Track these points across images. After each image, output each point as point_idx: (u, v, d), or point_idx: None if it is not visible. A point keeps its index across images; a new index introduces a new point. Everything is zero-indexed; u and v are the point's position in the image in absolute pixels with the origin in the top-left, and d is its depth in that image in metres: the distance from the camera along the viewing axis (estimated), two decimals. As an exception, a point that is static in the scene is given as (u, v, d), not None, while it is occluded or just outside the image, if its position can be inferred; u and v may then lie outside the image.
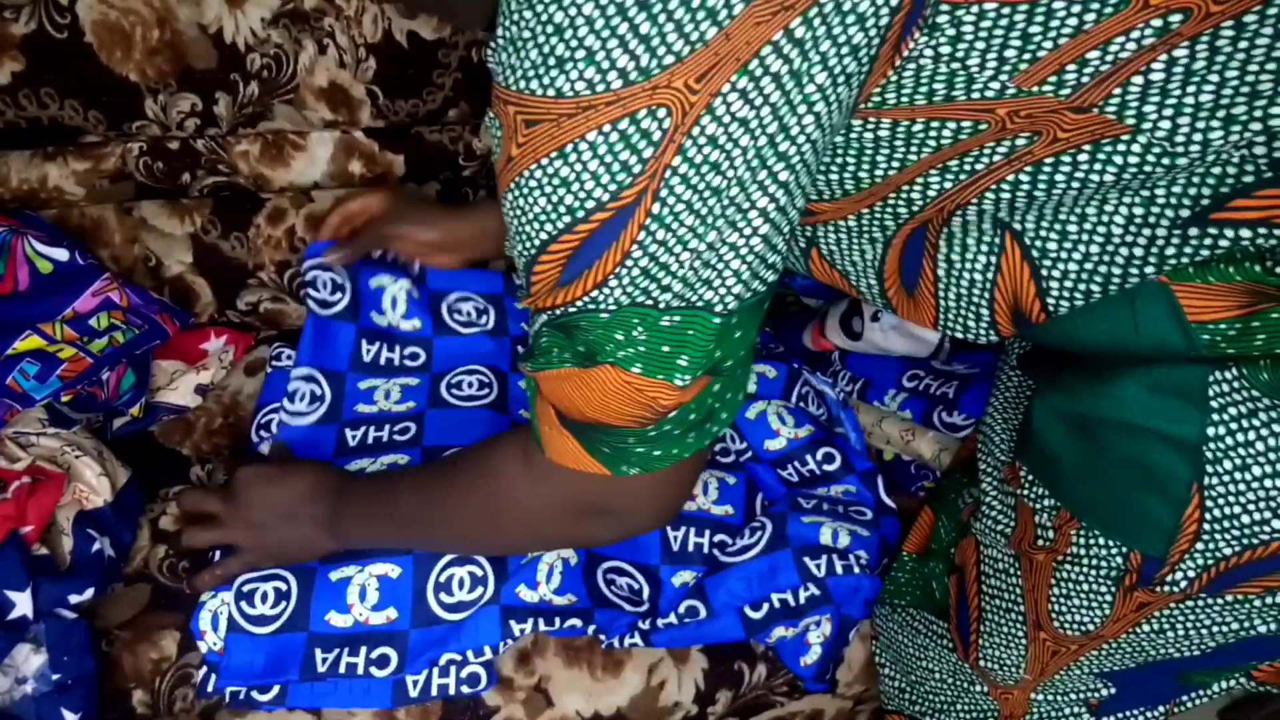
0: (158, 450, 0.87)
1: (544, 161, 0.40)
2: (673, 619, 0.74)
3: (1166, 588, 0.53)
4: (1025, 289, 0.50)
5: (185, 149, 0.93)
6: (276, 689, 0.70)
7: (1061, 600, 0.59)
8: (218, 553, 0.76)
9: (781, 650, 0.77)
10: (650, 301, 0.42)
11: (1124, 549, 0.54)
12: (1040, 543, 0.59)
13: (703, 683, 0.76)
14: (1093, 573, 0.56)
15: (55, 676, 0.67)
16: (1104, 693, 0.63)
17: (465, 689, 0.71)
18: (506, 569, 0.73)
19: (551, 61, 0.37)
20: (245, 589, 0.72)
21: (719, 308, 0.43)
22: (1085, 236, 0.47)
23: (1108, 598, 0.56)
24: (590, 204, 0.40)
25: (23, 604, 0.68)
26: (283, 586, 0.72)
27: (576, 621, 0.73)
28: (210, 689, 0.69)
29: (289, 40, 0.87)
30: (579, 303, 0.43)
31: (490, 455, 0.60)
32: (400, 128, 0.97)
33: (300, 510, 0.71)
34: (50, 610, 0.69)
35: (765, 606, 0.75)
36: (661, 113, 0.37)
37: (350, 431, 0.84)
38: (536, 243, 0.43)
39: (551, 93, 0.38)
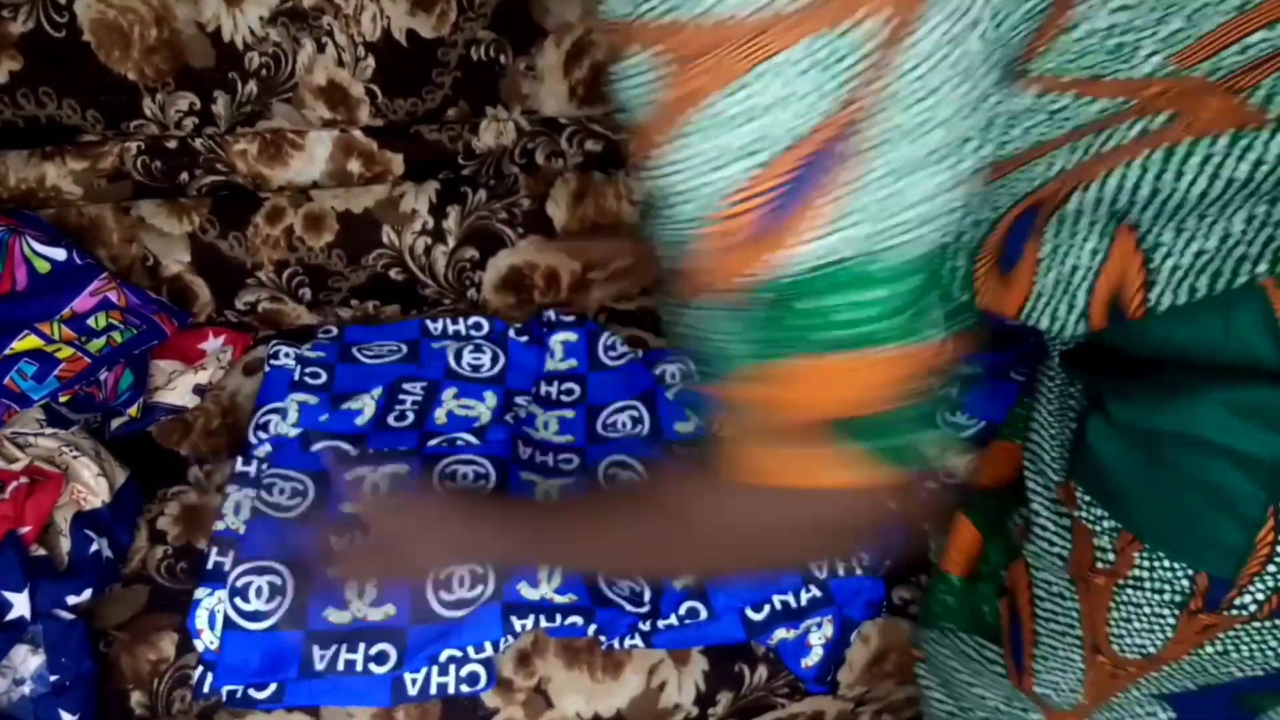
0: (156, 450, 0.87)
1: (732, 87, 0.34)
2: (673, 620, 0.74)
3: (1234, 611, 0.51)
4: (1133, 279, 0.47)
5: (183, 148, 0.93)
6: (273, 687, 0.69)
7: (1122, 623, 0.57)
8: (214, 554, 0.76)
9: (783, 652, 0.77)
10: (877, 247, 0.35)
11: (1189, 571, 0.52)
12: (1100, 565, 0.56)
13: (703, 684, 0.76)
14: (1155, 596, 0.54)
15: (53, 677, 0.67)
16: (1162, 717, 0.61)
17: (465, 688, 0.70)
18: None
19: None
20: (239, 584, 0.72)
21: (942, 246, 0.37)
22: (1204, 232, 0.44)
23: (1170, 620, 0.54)
24: (793, 134, 0.34)
25: (20, 605, 0.67)
26: (277, 581, 0.72)
27: (578, 620, 0.72)
28: (207, 689, 0.69)
29: (287, 39, 0.87)
30: (784, 264, 0.36)
31: (674, 485, 0.52)
32: (399, 126, 0.97)
33: (449, 518, 0.65)
34: (48, 611, 0.69)
35: (766, 608, 0.75)
36: (871, 24, 0.32)
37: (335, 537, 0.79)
38: (721, 189, 0.36)
39: (735, 6, 0.33)
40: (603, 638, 0.74)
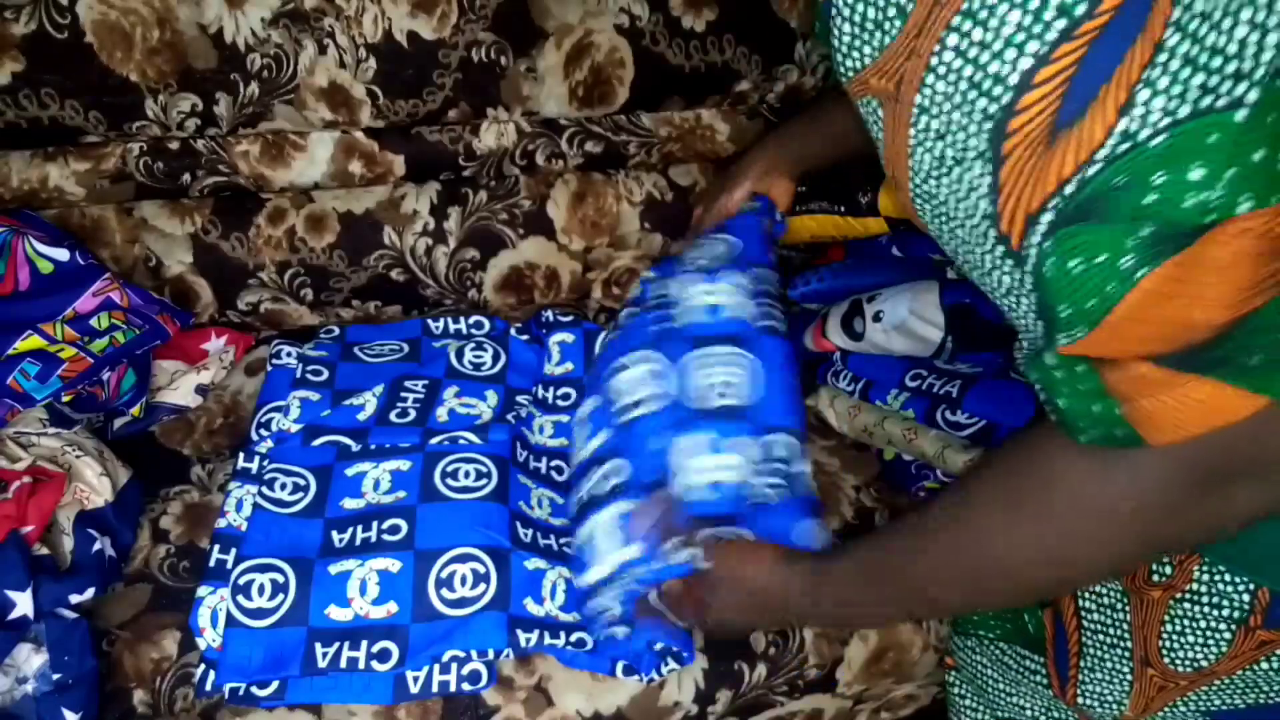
0: (158, 450, 0.87)
1: None
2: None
3: None
4: None
5: (185, 149, 0.93)
6: (275, 684, 0.70)
7: (1175, 637, 0.55)
8: (216, 552, 0.76)
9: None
10: (1215, 102, 0.29)
11: (1251, 586, 0.51)
12: (1156, 579, 0.55)
13: (703, 682, 0.76)
14: (1213, 610, 0.53)
15: (56, 676, 0.67)
16: None
17: (466, 686, 0.71)
18: (509, 569, 0.73)
19: None
20: (241, 581, 0.72)
21: (1268, 75, 0.30)
22: None
23: (1226, 635, 0.53)
24: None
25: (23, 604, 0.68)
26: (280, 579, 0.72)
27: (584, 637, 0.72)
28: (209, 687, 0.69)
29: (289, 40, 0.87)
30: (1104, 148, 0.30)
31: (1027, 469, 0.43)
32: (400, 128, 0.97)
33: (744, 614, 0.64)
34: (51, 610, 0.70)
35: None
36: None
37: (337, 533, 0.77)
38: (1013, 80, 0.31)
39: None
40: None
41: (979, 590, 0.50)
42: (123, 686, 0.71)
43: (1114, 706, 0.62)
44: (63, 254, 0.87)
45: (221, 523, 0.78)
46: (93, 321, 0.84)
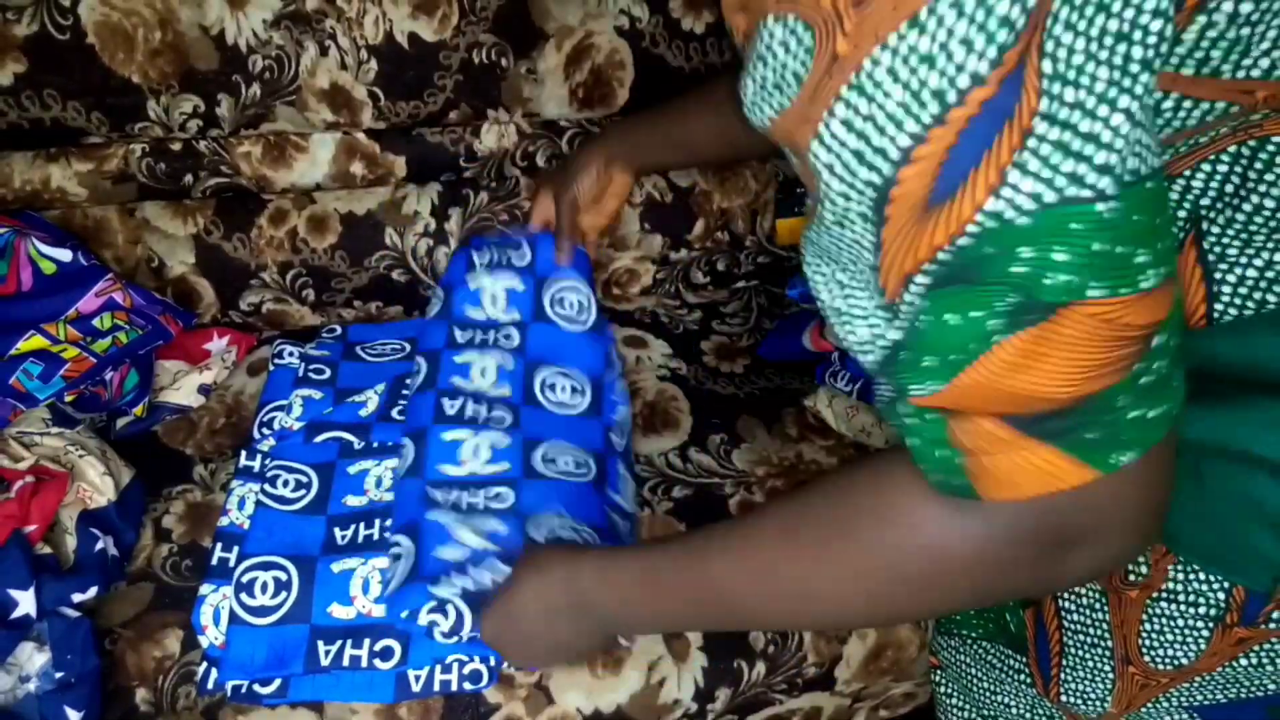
0: (161, 450, 0.87)
1: (891, 40, 0.31)
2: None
3: (1271, 624, 0.51)
4: (1194, 291, 0.44)
5: (187, 150, 0.94)
6: (278, 682, 0.70)
7: (1154, 635, 0.56)
8: (219, 550, 0.76)
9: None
10: (1088, 193, 0.31)
11: (1226, 585, 0.52)
12: (1132, 578, 0.56)
13: (702, 680, 0.76)
14: (1190, 609, 0.53)
15: (58, 675, 0.68)
16: None
17: (467, 685, 0.71)
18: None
19: None
20: (244, 579, 0.72)
21: (1151, 173, 0.33)
22: (1272, 245, 0.42)
23: (1204, 633, 0.53)
24: (965, 79, 0.31)
25: (26, 603, 0.68)
26: (282, 576, 0.73)
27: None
28: (211, 685, 0.70)
29: (290, 42, 0.88)
30: (975, 222, 0.32)
31: (877, 500, 0.44)
32: (401, 129, 0.97)
33: (546, 629, 0.60)
34: (53, 609, 0.70)
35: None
36: None
37: (339, 530, 0.78)
38: (895, 155, 0.33)
39: None
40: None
41: (790, 611, 0.50)
42: (125, 685, 0.71)
43: (1097, 704, 0.62)
44: (65, 254, 0.87)
45: (224, 521, 0.78)
46: (95, 322, 0.84)
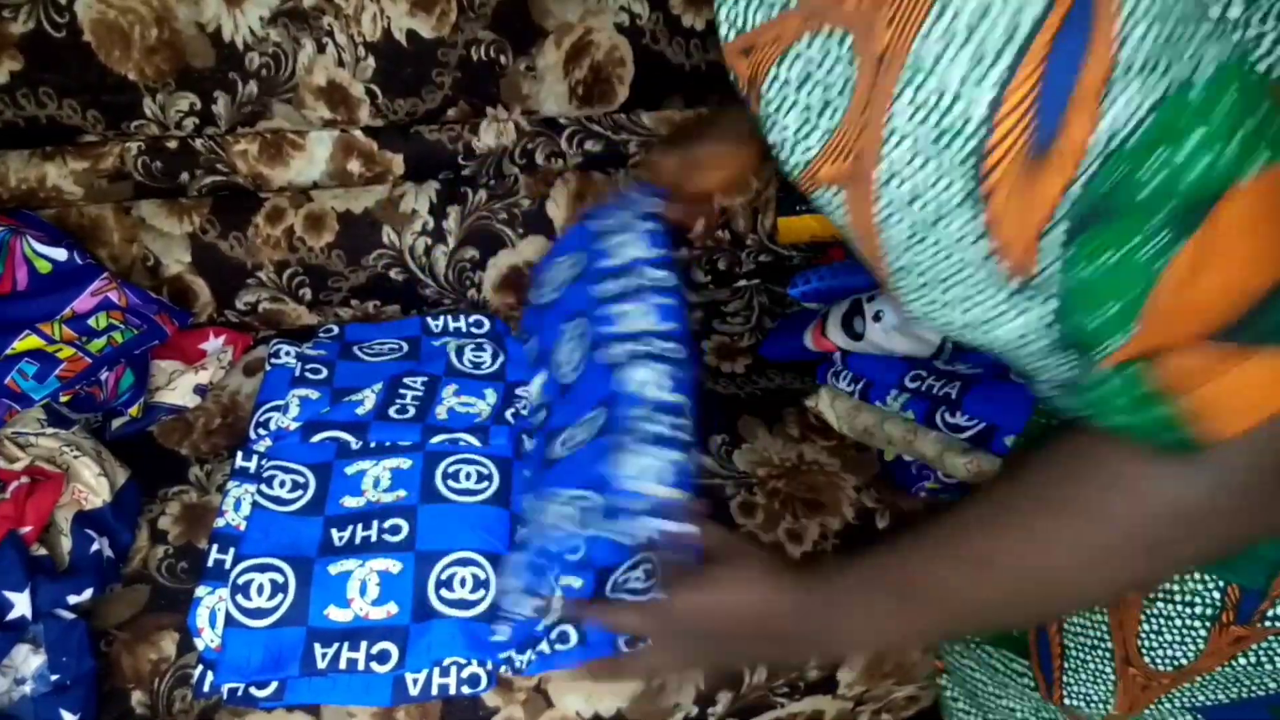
0: (156, 450, 0.87)
1: (935, 11, 0.29)
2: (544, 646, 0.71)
3: (1267, 622, 0.51)
4: None
5: (184, 148, 0.93)
6: (274, 685, 0.69)
7: (1153, 636, 0.56)
8: (215, 552, 0.76)
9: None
10: (1194, 64, 0.29)
11: (1220, 584, 0.51)
12: None
13: (703, 684, 0.76)
14: (1187, 609, 0.53)
15: (54, 677, 0.67)
16: None
17: (465, 688, 0.70)
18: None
19: None
20: (241, 581, 0.72)
21: (1241, 53, 0.30)
22: None
23: (1202, 633, 0.53)
24: (1028, 14, 0.29)
25: (21, 604, 0.68)
26: (279, 579, 0.72)
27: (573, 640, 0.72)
28: (207, 688, 0.69)
29: (288, 39, 0.87)
30: (1089, 156, 0.30)
31: (1089, 470, 0.40)
32: (399, 126, 0.97)
33: (734, 643, 0.54)
34: (49, 611, 0.69)
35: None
36: None
37: (336, 532, 0.77)
38: (979, 115, 0.30)
39: None
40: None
41: (1019, 603, 0.47)
42: (121, 687, 0.71)
43: (1100, 706, 0.62)
44: (61, 253, 0.86)
45: (220, 522, 0.78)
46: (91, 321, 0.84)
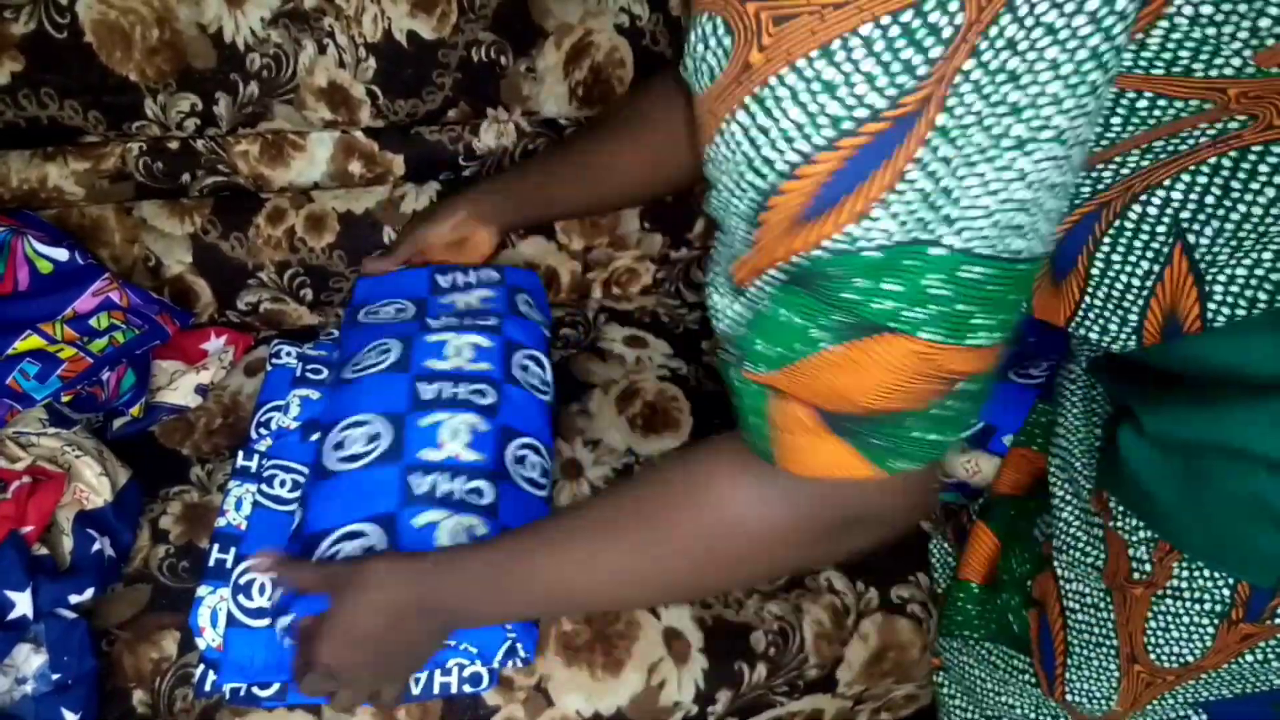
0: (158, 450, 0.87)
1: (801, 64, 0.33)
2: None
3: (1276, 620, 0.51)
4: (1186, 296, 0.46)
5: (185, 149, 0.93)
6: (277, 684, 0.69)
7: (1160, 633, 0.56)
8: (216, 551, 0.76)
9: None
10: (927, 236, 0.34)
11: (1231, 581, 0.52)
12: (1136, 576, 0.56)
13: (703, 682, 0.76)
14: (1195, 606, 0.54)
15: (55, 676, 0.67)
16: None
17: (467, 688, 0.71)
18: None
19: None
20: (242, 580, 0.72)
21: (1017, 255, 0.35)
22: (1261, 244, 0.43)
23: (1210, 630, 0.54)
24: (862, 112, 0.33)
25: (23, 604, 0.68)
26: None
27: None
28: (208, 688, 0.69)
29: (288, 40, 0.87)
30: (831, 240, 0.35)
31: (694, 473, 0.49)
32: (400, 128, 0.97)
33: (395, 636, 0.60)
34: (50, 610, 0.69)
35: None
36: (953, 5, 0.31)
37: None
38: (780, 167, 0.35)
39: None
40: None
41: (622, 596, 0.58)
42: (122, 687, 0.71)
43: (1103, 703, 0.62)
44: (62, 254, 0.86)
45: (221, 522, 0.78)
46: (92, 321, 0.84)
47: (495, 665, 0.71)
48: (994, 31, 0.31)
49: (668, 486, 0.51)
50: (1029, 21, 0.31)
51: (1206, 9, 0.35)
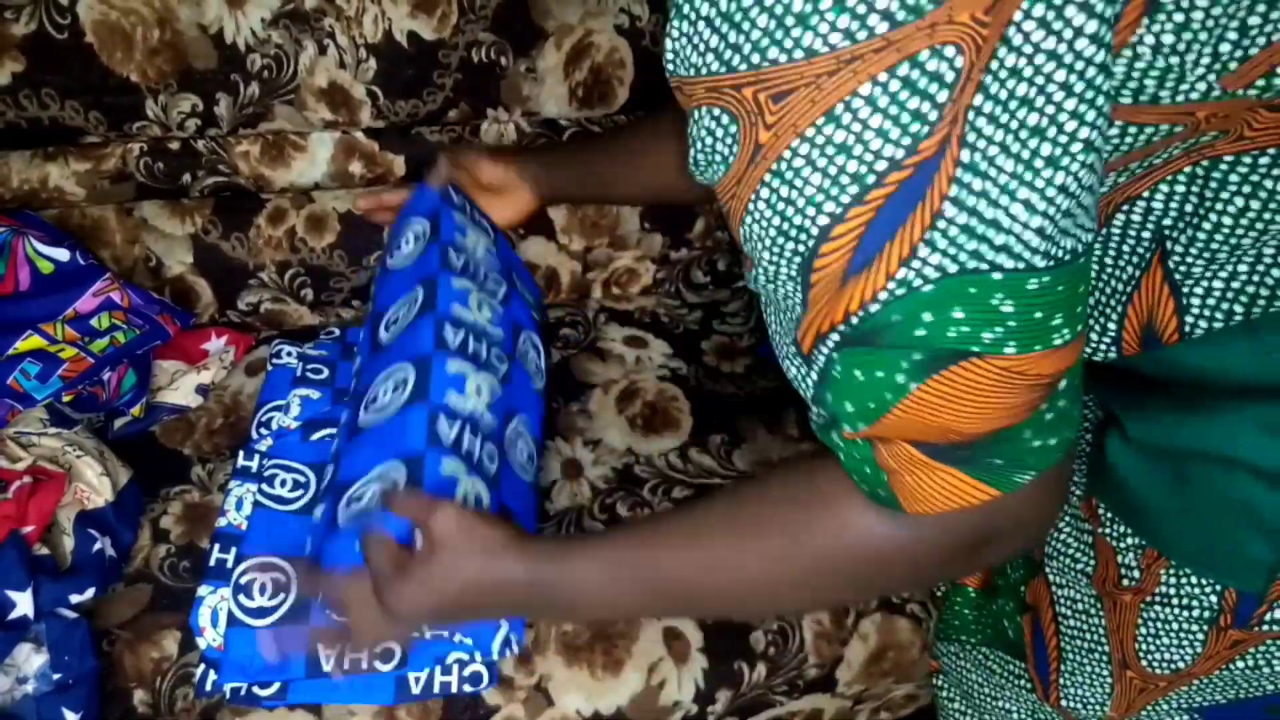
0: (159, 450, 0.87)
1: (809, 133, 0.34)
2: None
3: (1265, 626, 0.51)
4: (1163, 307, 0.46)
5: (186, 149, 0.93)
6: (277, 684, 0.69)
7: (1150, 639, 0.57)
8: (216, 551, 0.76)
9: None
10: (985, 265, 0.35)
11: (1218, 588, 0.52)
12: (1125, 583, 0.56)
13: (702, 682, 0.76)
14: (1184, 613, 0.54)
15: (56, 676, 0.67)
16: None
17: (467, 687, 0.71)
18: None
19: (791, 22, 0.32)
20: (242, 580, 0.72)
21: (1072, 255, 0.36)
22: (1235, 257, 0.44)
23: (1200, 636, 0.54)
24: (882, 164, 0.34)
25: (24, 604, 0.68)
26: (281, 578, 0.72)
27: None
28: (209, 687, 0.69)
29: (289, 41, 0.87)
30: (885, 291, 0.36)
31: (809, 496, 0.48)
32: (400, 128, 0.97)
33: (480, 604, 0.57)
34: (51, 610, 0.70)
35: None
36: (949, 51, 0.32)
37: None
38: (815, 231, 0.36)
39: (799, 55, 0.33)
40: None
41: (737, 603, 0.58)
42: (123, 686, 0.71)
43: (1097, 708, 0.63)
44: (63, 254, 0.87)
45: (221, 521, 0.78)
46: (93, 321, 0.84)
47: (494, 656, 0.71)
48: (995, 65, 0.32)
49: (794, 499, 0.49)
50: (1027, 49, 0.32)
51: (1168, 39, 0.36)
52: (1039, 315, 0.36)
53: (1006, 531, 0.44)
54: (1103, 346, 0.50)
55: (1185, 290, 0.45)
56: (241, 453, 0.83)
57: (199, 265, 0.97)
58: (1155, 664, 0.57)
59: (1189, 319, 0.46)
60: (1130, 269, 0.47)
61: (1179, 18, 0.35)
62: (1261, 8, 0.36)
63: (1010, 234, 0.34)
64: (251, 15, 0.85)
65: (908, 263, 0.35)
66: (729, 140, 0.37)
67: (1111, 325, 0.49)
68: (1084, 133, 0.33)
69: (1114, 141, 0.41)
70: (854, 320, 0.37)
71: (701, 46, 0.35)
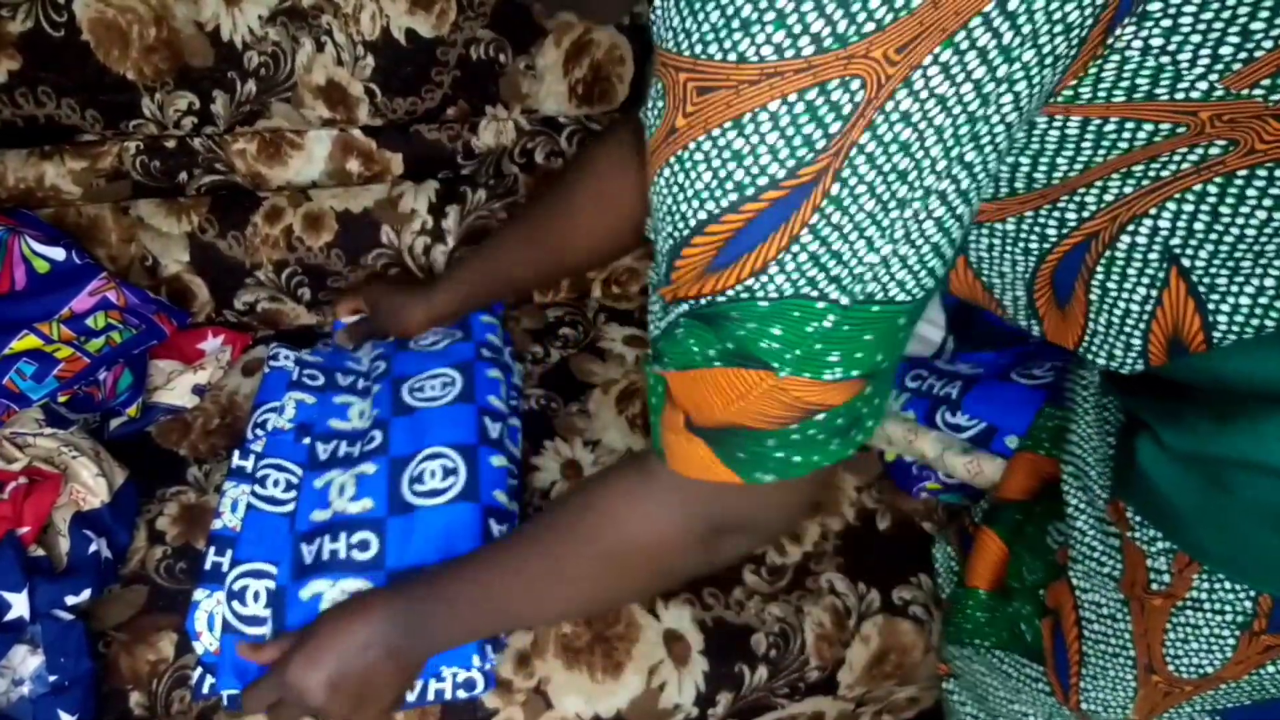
0: (155, 451, 0.87)
1: (715, 133, 0.36)
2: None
3: None
4: (1189, 321, 0.47)
5: (182, 147, 0.93)
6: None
7: (1179, 644, 0.56)
8: (212, 554, 0.75)
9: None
10: (815, 293, 0.39)
11: (1252, 593, 0.52)
12: (1155, 587, 0.56)
13: (703, 685, 0.76)
14: (1216, 617, 0.53)
15: (52, 678, 0.67)
16: None
17: (462, 693, 0.70)
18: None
19: (736, 24, 0.34)
20: (236, 587, 0.71)
21: (889, 302, 0.39)
22: (1260, 271, 0.44)
23: (1230, 641, 0.53)
24: (763, 181, 0.36)
25: (19, 605, 0.67)
26: (272, 586, 0.72)
27: None
28: (206, 690, 0.69)
29: (286, 38, 0.87)
30: (733, 290, 0.40)
31: (598, 494, 0.57)
32: (398, 126, 0.97)
33: (366, 664, 0.62)
34: (47, 611, 0.69)
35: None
36: (855, 84, 0.33)
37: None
38: (693, 223, 0.40)
39: (733, 58, 0.34)
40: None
41: (562, 613, 0.69)
42: (119, 688, 0.71)
43: (1119, 711, 0.62)
44: (59, 253, 0.86)
45: (217, 524, 0.77)
46: (89, 321, 0.84)
47: (480, 664, 0.70)
48: (890, 105, 0.34)
49: (574, 512, 0.59)
50: (924, 94, 0.34)
51: (1156, 40, 0.37)
52: (818, 347, 0.40)
53: (745, 526, 0.52)
54: (1129, 360, 0.50)
55: (1211, 305, 0.46)
56: (236, 453, 0.83)
57: (195, 264, 0.96)
58: (1183, 668, 0.57)
59: (1217, 333, 0.46)
60: (1143, 289, 0.47)
61: (1166, 23, 0.36)
62: (1264, 13, 0.36)
63: (846, 266, 0.38)
64: (249, 12, 0.85)
65: (758, 275, 0.39)
66: (656, 113, 0.39)
67: (1136, 340, 0.49)
68: (942, 185, 0.36)
69: (1110, 138, 0.41)
70: (703, 301, 0.41)
71: (666, 23, 0.37)
